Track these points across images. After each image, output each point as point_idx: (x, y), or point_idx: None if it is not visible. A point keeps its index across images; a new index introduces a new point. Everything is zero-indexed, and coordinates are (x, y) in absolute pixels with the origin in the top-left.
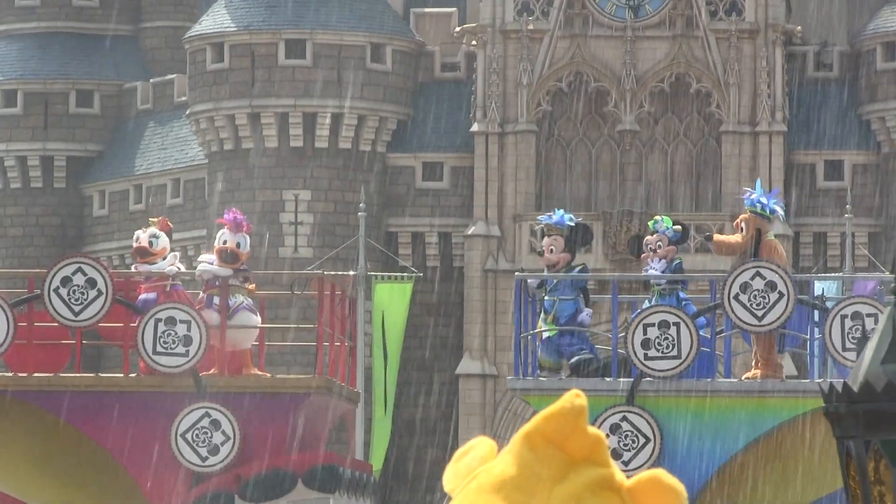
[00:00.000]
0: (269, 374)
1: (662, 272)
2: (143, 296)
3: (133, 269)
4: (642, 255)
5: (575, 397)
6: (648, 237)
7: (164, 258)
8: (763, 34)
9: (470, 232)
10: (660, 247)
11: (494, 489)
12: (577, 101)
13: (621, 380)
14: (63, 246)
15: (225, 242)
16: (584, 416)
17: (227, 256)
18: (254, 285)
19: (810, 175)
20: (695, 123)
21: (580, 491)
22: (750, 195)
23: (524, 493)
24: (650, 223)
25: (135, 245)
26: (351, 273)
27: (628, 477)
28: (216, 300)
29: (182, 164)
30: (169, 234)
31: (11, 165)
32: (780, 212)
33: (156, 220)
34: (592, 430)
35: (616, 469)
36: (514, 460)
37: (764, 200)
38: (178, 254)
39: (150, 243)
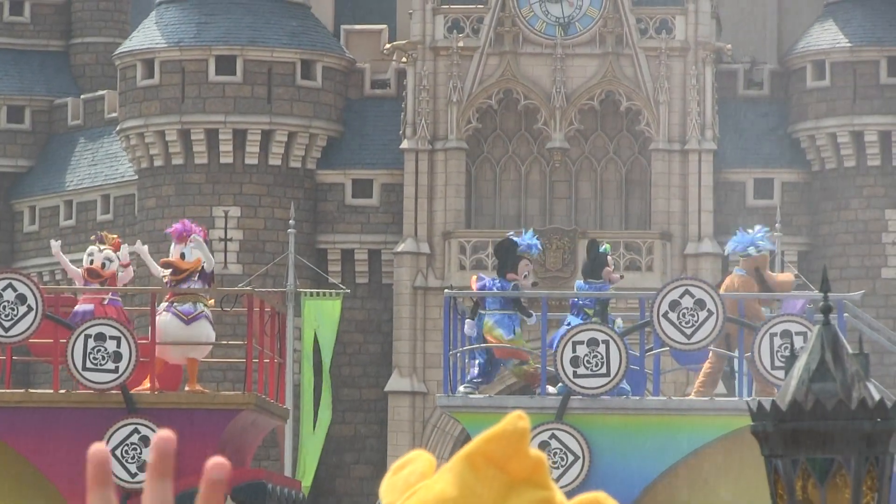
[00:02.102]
0: (206, 390)
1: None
2: (79, 306)
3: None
4: (605, 269)
5: (518, 419)
6: (610, 257)
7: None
8: (693, 52)
9: (399, 249)
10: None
11: None
12: (506, 118)
13: (550, 397)
14: None
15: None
16: (527, 437)
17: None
18: (212, 300)
19: (740, 193)
20: (624, 141)
21: None
22: (737, 246)
23: None
24: (607, 247)
25: (87, 265)
26: (281, 290)
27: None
28: (178, 306)
29: (112, 180)
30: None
31: None
32: (762, 245)
33: (112, 236)
34: (534, 451)
35: (557, 491)
36: (454, 480)
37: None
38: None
39: (103, 265)
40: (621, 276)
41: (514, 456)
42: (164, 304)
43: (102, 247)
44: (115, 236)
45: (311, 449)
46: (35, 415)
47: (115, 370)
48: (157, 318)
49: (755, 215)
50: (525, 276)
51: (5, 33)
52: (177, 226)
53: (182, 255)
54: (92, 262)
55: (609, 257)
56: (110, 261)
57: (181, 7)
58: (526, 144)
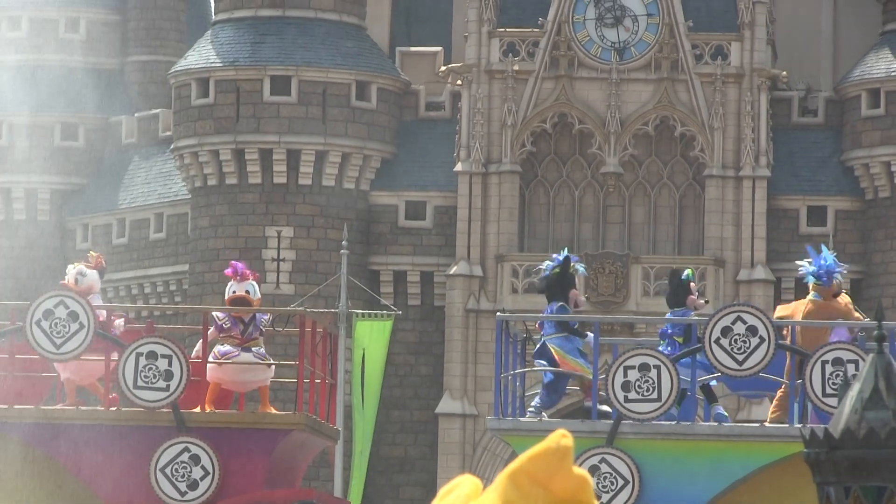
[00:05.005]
0: (275, 410)
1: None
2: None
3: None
4: (689, 297)
5: (561, 437)
6: (693, 283)
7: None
8: (748, 79)
9: (452, 271)
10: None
11: None
12: (561, 142)
13: (601, 421)
14: (46, 279)
15: (234, 292)
16: (570, 456)
17: (239, 303)
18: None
19: (793, 220)
20: (678, 167)
21: None
22: (810, 270)
23: None
24: (689, 272)
25: (61, 282)
26: (332, 310)
27: None
28: (255, 349)
29: (165, 198)
30: (101, 272)
31: None
32: (837, 271)
33: (94, 254)
34: (578, 470)
35: None
36: (499, 499)
37: (822, 271)
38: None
39: (77, 281)
40: (706, 302)
41: (558, 474)
42: (229, 348)
43: (81, 264)
44: (97, 255)
45: (360, 470)
46: (85, 432)
47: (166, 388)
48: (236, 358)
49: (808, 243)
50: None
51: (61, 51)
52: (236, 268)
53: (247, 292)
54: (66, 279)
55: (692, 284)
56: (83, 275)
57: (237, 27)
58: (580, 169)
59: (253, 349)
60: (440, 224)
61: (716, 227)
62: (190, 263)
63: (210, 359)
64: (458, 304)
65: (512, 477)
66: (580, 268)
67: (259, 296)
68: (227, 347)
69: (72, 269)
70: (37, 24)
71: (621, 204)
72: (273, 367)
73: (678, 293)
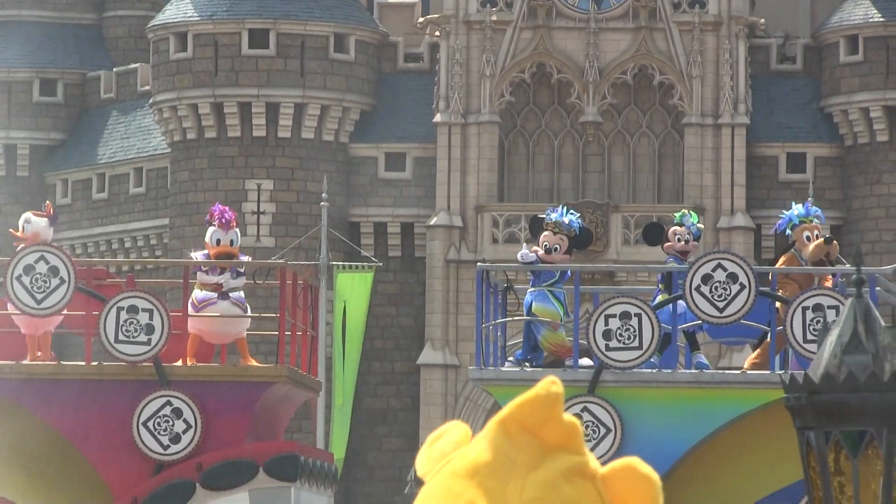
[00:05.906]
0: (257, 363)
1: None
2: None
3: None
4: (666, 244)
5: (551, 385)
6: (676, 228)
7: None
8: (726, 26)
9: (432, 222)
10: (688, 240)
11: (468, 475)
12: (539, 92)
13: (583, 370)
14: None
15: (219, 241)
16: (560, 403)
17: (224, 256)
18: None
19: (772, 167)
20: (657, 115)
21: (554, 478)
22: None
23: (498, 479)
24: (677, 215)
25: (10, 230)
26: (313, 263)
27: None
28: (233, 295)
29: (145, 153)
30: (52, 221)
31: None
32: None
33: (48, 203)
34: (568, 417)
35: (590, 457)
36: (488, 446)
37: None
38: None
39: (23, 228)
40: (685, 242)
41: (548, 422)
42: (210, 294)
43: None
44: (49, 203)
45: (342, 422)
46: (67, 387)
47: (148, 342)
48: (214, 306)
49: (788, 190)
50: (549, 250)
51: (39, 6)
52: (220, 213)
53: (231, 243)
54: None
55: (673, 229)
56: (28, 222)
57: None
58: (559, 118)
59: (231, 294)
60: (420, 175)
61: (695, 174)
62: (170, 217)
63: (189, 306)
64: (438, 254)
65: (501, 424)
66: (572, 221)
67: (239, 242)
68: (204, 293)
69: (22, 218)
70: None
71: (600, 153)
72: (250, 315)
73: (655, 240)
